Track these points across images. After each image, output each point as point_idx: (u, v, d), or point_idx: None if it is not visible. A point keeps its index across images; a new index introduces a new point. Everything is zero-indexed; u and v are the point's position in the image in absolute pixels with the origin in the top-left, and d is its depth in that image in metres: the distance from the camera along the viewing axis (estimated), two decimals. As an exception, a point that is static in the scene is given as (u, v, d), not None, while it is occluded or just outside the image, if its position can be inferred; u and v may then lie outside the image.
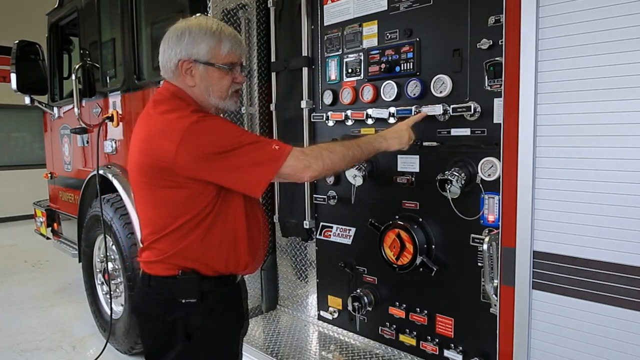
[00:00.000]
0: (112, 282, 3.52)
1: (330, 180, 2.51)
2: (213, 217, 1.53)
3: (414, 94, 2.10)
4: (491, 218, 1.92)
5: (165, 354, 1.58)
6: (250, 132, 1.53)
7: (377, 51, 2.24)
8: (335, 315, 2.61)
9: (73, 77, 4.11)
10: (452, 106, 1.95)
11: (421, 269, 2.12)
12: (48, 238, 5.41)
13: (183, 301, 1.54)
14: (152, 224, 1.58)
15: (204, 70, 1.55)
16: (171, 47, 1.54)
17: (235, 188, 1.52)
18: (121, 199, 3.36)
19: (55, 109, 4.98)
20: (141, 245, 1.65)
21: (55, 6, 4.79)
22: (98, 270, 3.95)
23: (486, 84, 1.88)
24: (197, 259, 1.55)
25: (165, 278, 1.56)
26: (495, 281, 1.64)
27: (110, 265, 3.53)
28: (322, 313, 2.69)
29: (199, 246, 1.54)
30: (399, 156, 2.21)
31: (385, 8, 2.21)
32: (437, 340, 2.18)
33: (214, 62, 1.55)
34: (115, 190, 3.44)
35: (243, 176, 1.47)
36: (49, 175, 5.38)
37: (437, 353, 2.17)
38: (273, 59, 2.73)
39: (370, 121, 2.28)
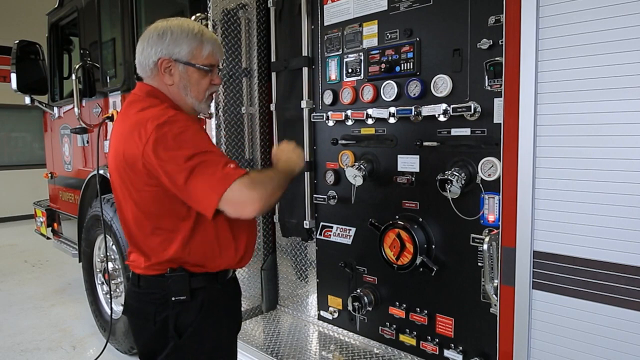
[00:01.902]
0: (112, 282, 3.52)
1: (331, 180, 2.51)
2: (194, 217, 1.51)
3: (414, 94, 2.10)
4: (491, 218, 1.92)
5: (159, 353, 1.59)
6: (214, 145, 1.49)
7: (377, 51, 2.24)
8: (336, 315, 2.61)
9: (73, 77, 4.12)
10: (452, 106, 1.95)
11: (421, 269, 2.13)
12: (48, 238, 5.41)
13: (173, 299, 1.54)
14: (135, 225, 1.57)
15: (183, 70, 1.56)
16: (151, 46, 1.55)
17: (181, 196, 1.46)
18: (121, 198, 3.36)
19: (56, 109, 4.98)
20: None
21: (56, 6, 4.80)
22: (98, 270, 3.96)
23: (486, 84, 1.88)
24: (183, 258, 1.55)
25: (154, 277, 1.56)
26: (496, 281, 1.64)
27: (110, 265, 3.54)
28: (322, 313, 2.69)
29: (184, 246, 1.53)
30: (399, 156, 2.22)
31: (386, 8, 2.21)
32: (437, 340, 2.18)
33: (194, 63, 1.56)
34: (115, 190, 3.44)
35: (190, 187, 1.41)
36: (49, 175, 5.38)
37: (437, 353, 2.17)
38: (273, 58, 2.73)
39: (370, 121, 2.28)
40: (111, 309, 3.30)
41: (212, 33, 1.65)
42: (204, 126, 2.76)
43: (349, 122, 2.38)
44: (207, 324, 1.58)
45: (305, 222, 2.62)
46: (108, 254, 3.56)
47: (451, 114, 1.96)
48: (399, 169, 2.23)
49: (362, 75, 2.33)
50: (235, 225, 1.61)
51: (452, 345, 2.12)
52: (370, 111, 2.25)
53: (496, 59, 1.81)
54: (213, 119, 2.68)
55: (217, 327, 1.62)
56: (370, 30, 2.28)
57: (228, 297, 1.72)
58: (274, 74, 2.75)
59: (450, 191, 1.92)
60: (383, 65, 2.22)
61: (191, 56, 1.56)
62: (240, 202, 1.42)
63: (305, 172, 2.60)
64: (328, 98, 2.47)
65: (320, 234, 2.63)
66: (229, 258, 1.63)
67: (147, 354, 1.66)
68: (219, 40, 1.68)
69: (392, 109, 2.16)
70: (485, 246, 1.70)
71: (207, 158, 1.43)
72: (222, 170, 1.41)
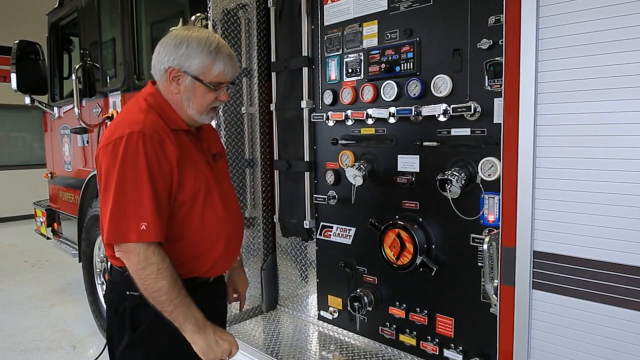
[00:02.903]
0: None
1: (331, 180, 2.51)
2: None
3: (414, 94, 2.10)
4: (491, 218, 1.92)
5: (118, 343, 1.62)
6: (148, 190, 1.45)
7: (377, 51, 2.24)
8: (336, 315, 2.61)
9: (73, 77, 4.12)
10: (452, 106, 1.95)
11: (421, 268, 2.13)
12: (48, 238, 5.41)
13: (127, 293, 1.57)
14: (104, 216, 1.59)
15: (190, 82, 1.57)
16: (166, 53, 1.56)
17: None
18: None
19: (56, 109, 4.98)
20: None
21: (56, 6, 4.80)
22: (98, 270, 3.96)
23: (486, 84, 1.88)
24: None
25: (120, 269, 1.59)
26: (496, 281, 1.64)
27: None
28: (322, 313, 2.69)
29: None
30: (399, 156, 2.22)
31: (385, 8, 2.21)
32: (437, 340, 2.18)
33: (203, 79, 1.57)
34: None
35: (105, 215, 1.47)
36: (49, 175, 5.39)
37: (437, 353, 2.17)
38: (273, 58, 2.73)
39: (370, 121, 2.28)
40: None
41: (230, 51, 1.62)
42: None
43: (349, 122, 2.38)
44: (164, 323, 1.54)
45: (305, 222, 2.62)
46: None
47: (451, 114, 1.96)
48: (399, 169, 2.23)
49: (362, 75, 2.33)
50: (202, 237, 1.63)
51: (452, 345, 2.12)
52: (370, 111, 2.25)
53: (496, 59, 1.81)
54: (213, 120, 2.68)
55: (174, 328, 1.56)
56: (370, 30, 2.28)
57: (194, 301, 1.63)
58: (274, 74, 2.75)
59: (450, 191, 1.92)
60: (383, 65, 2.22)
61: (201, 72, 1.56)
62: (133, 259, 1.46)
63: (306, 172, 2.61)
64: (328, 98, 2.47)
65: (320, 234, 2.63)
66: (189, 266, 1.62)
67: (110, 342, 1.69)
68: (235, 60, 1.64)
69: (392, 109, 2.16)
70: (485, 246, 1.70)
71: (125, 192, 1.44)
72: (135, 223, 1.42)
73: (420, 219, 2.17)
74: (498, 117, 1.85)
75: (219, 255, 1.69)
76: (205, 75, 1.56)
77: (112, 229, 1.45)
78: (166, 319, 1.55)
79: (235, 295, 2.03)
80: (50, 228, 5.32)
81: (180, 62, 1.54)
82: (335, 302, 2.61)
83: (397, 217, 2.23)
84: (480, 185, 1.92)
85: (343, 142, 2.42)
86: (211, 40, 1.57)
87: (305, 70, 2.55)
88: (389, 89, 2.19)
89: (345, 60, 2.40)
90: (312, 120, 2.56)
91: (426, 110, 2.03)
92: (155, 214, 1.45)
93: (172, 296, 1.47)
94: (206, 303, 1.67)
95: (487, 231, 1.93)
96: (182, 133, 1.61)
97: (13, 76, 4.55)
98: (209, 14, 2.64)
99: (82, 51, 4.35)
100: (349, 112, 2.35)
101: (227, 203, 1.73)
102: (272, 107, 2.77)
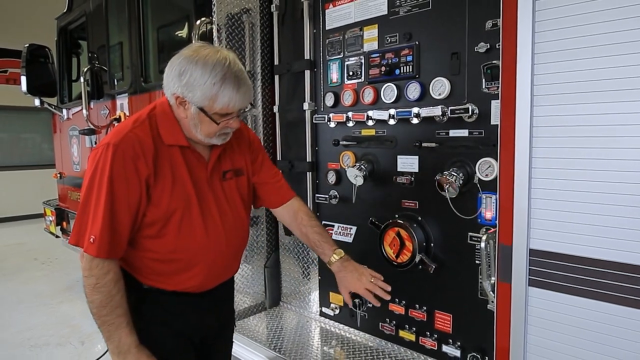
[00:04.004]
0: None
1: (332, 180, 2.52)
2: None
3: (414, 96, 2.10)
4: (488, 217, 1.92)
5: None
6: (103, 207, 1.41)
7: (378, 54, 2.25)
8: (337, 311, 2.62)
9: (82, 79, 4.14)
10: (450, 108, 1.96)
11: (420, 266, 2.13)
12: (57, 236, 5.44)
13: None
14: None
15: (195, 111, 1.47)
16: (171, 78, 1.47)
17: None
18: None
19: (64, 111, 5.00)
20: None
21: (64, 11, 4.82)
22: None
23: (483, 87, 1.88)
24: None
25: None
26: (493, 278, 1.64)
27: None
28: (324, 309, 2.70)
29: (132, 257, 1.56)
30: (398, 157, 2.22)
31: (385, 12, 2.21)
32: (435, 336, 2.18)
33: (207, 111, 1.46)
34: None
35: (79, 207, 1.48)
36: (58, 175, 5.41)
37: (436, 348, 2.17)
38: (276, 62, 2.74)
39: (370, 122, 2.28)
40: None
41: (240, 80, 1.47)
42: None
43: (350, 124, 2.39)
44: (162, 318, 1.60)
45: (307, 220, 2.62)
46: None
47: (449, 115, 1.97)
48: (399, 169, 2.23)
49: (362, 77, 2.33)
50: (172, 257, 1.57)
51: (451, 340, 2.12)
52: (370, 113, 2.25)
53: (493, 62, 1.81)
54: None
55: (171, 325, 1.61)
56: (371, 34, 2.28)
57: (162, 308, 1.61)
58: (277, 77, 2.75)
59: (448, 191, 1.93)
60: (383, 68, 2.22)
61: (204, 104, 1.45)
62: (82, 264, 1.47)
63: (308, 172, 2.61)
64: (330, 100, 2.47)
65: (322, 233, 2.63)
66: (163, 281, 1.60)
67: None
68: (246, 88, 1.49)
69: (392, 111, 2.16)
70: (482, 244, 1.70)
71: (89, 205, 1.43)
72: (88, 233, 1.42)
73: (420, 218, 2.17)
74: (495, 119, 1.85)
75: (195, 277, 1.61)
76: (209, 108, 1.46)
77: (75, 231, 1.47)
78: (161, 314, 1.58)
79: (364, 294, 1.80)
80: (59, 227, 5.34)
81: (184, 91, 1.45)
82: (336, 298, 2.62)
83: (396, 216, 2.24)
84: (478, 185, 1.92)
85: (344, 143, 2.42)
86: (217, 70, 1.42)
87: (307, 73, 2.56)
88: (389, 92, 2.20)
89: (346, 63, 2.40)
90: (314, 121, 2.57)
91: (425, 112, 2.03)
92: (105, 231, 1.40)
93: (102, 313, 1.45)
94: (191, 312, 1.66)
95: (484, 230, 1.93)
96: (176, 149, 1.53)
97: (23, 79, 4.57)
98: (213, 19, 2.65)
99: (90, 54, 4.37)
100: (350, 114, 2.35)
101: (215, 225, 1.61)
102: (275, 109, 2.77)
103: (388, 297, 1.80)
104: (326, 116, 2.47)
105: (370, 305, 2.14)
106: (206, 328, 1.73)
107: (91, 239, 1.41)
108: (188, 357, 1.67)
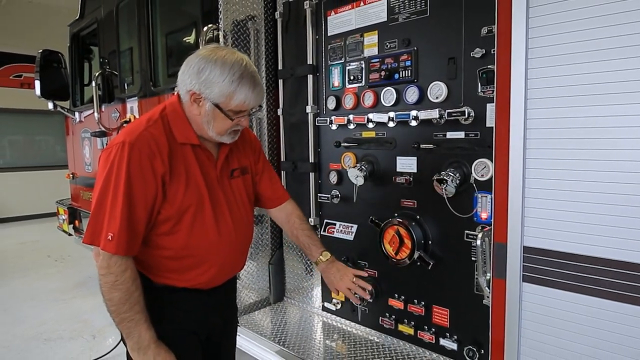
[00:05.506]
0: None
1: (334, 180, 2.52)
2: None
3: (412, 100, 2.11)
4: (484, 215, 1.92)
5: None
6: (121, 204, 1.39)
7: (378, 59, 2.25)
8: (339, 306, 2.63)
9: (93, 84, 4.16)
10: (447, 111, 1.96)
11: (419, 263, 2.14)
12: (70, 234, 5.45)
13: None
14: None
15: (210, 108, 1.49)
16: (188, 75, 1.48)
17: None
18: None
19: (77, 114, 5.02)
20: None
21: (77, 18, 4.83)
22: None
23: (479, 90, 1.89)
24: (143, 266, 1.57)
25: None
26: (488, 274, 1.65)
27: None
28: (326, 304, 2.71)
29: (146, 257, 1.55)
30: (397, 157, 2.23)
31: (385, 19, 2.22)
32: (433, 329, 2.19)
33: (223, 108, 1.49)
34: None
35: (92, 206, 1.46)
36: (71, 175, 5.42)
37: (434, 342, 2.18)
38: (280, 67, 2.75)
39: (371, 125, 2.29)
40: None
41: (255, 80, 1.50)
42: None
43: (351, 126, 2.40)
44: (170, 313, 1.59)
45: (310, 219, 2.64)
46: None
47: (446, 118, 1.98)
48: (398, 169, 2.24)
49: (363, 82, 2.34)
50: (184, 254, 1.57)
51: (448, 334, 2.13)
52: (370, 116, 2.26)
53: (488, 66, 1.82)
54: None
55: (179, 321, 1.60)
56: (371, 40, 2.29)
57: (173, 307, 1.62)
58: (280, 81, 2.76)
59: (445, 190, 1.93)
60: (383, 73, 2.23)
61: (220, 100, 1.47)
62: (99, 263, 1.44)
63: (311, 173, 2.62)
64: (331, 103, 2.48)
65: (324, 231, 2.65)
66: (174, 277, 1.59)
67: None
68: (260, 88, 1.52)
69: (392, 114, 2.17)
70: (478, 242, 1.71)
71: (104, 203, 1.41)
72: (105, 231, 1.40)
73: (418, 217, 2.18)
74: (490, 121, 1.85)
75: (206, 273, 1.62)
76: (225, 104, 1.48)
77: (89, 230, 1.43)
78: (172, 312, 1.57)
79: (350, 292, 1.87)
80: (71, 225, 5.36)
81: (201, 87, 1.46)
82: (338, 294, 2.62)
83: (396, 214, 2.25)
84: (474, 185, 1.93)
85: (345, 144, 2.43)
86: (235, 69, 1.46)
87: (310, 77, 2.57)
88: (389, 95, 2.20)
89: (347, 68, 2.41)
90: (316, 124, 2.58)
91: (423, 115, 2.04)
92: (123, 228, 1.39)
93: (121, 310, 1.42)
94: (199, 308, 1.66)
95: (480, 228, 1.94)
96: (188, 147, 1.54)
97: (37, 83, 4.59)
98: (220, 25, 2.66)
99: (101, 60, 4.39)
100: (351, 117, 2.36)
101: (225, 222, 1.62)
102: (279, 112, 2.78)
103: (368, 297, 1.92)
104: (328, 119, 2.48)
105: (370, 300, 2.16)
106: (211, 325, 1.74)
107: (109, 237, 1.39)
108: (196, 354, 1.68)
